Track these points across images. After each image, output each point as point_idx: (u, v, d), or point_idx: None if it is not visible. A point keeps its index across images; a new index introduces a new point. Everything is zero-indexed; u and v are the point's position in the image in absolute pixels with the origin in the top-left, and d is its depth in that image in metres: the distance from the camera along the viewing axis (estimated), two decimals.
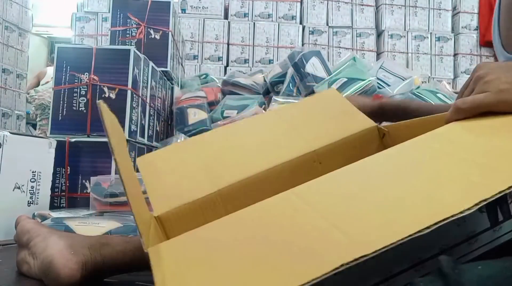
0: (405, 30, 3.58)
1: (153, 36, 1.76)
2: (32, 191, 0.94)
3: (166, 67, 1.77)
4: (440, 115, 0.58)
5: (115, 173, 1.11)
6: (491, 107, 0.44)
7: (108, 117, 0.45)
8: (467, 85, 0.50)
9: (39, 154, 0.98)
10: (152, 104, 1.55)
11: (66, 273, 0.53)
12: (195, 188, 0.58)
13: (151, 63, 1.51)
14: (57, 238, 0.57)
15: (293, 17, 3.50)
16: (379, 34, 3.61)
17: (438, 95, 1.55)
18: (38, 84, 3.61)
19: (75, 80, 1.24)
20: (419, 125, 0.61)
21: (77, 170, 1.17)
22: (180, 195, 0.56)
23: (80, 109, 1.22)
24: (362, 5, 3.57)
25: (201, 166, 0.62)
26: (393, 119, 0.83)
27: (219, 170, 0.61)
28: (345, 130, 0.66)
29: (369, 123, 0.68)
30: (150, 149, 1.50)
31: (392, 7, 3.59)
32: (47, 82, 3.52)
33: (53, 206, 1.08)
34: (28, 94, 3.37)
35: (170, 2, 1.82)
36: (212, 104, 1.90)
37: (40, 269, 0.56)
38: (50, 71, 3.48)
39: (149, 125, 1.51)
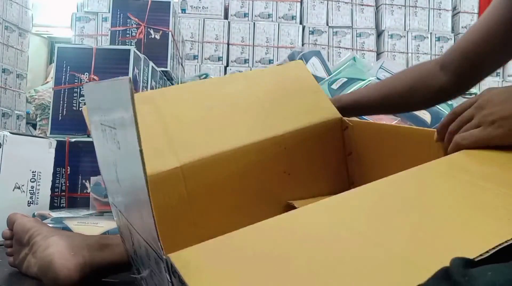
0: (405, 30, 3.58)
1: (153, 36, 1.77)
2: (32, 191, 0.94)
3: (166, 67, 1.77)
4: (409, 128, 0.60)
5: None
6: (489, 142, 0.46)
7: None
8: (467, 107, 0.50)
9: (39, 154, 0.98)
10: None
11: (65, 274, 0.53)
12: (156, 159, 0.53)
13: (151, 63, 1.51)
14: (58, 237, 0.57)
15: (293, 17, 3.50)
16: (379, 34, 3.62)
17: None
18: None
19: (75, 80, 1.24)
20: (384, 128, 0.62)
21: (77, 170, 1.17)
22: None
23: (80, 109, 1.22)
24: (362, 5, 3.57)
25: (162, 132, 0.57)
26: (353, 114, 0.78)
27: (182, 141, 0.57)
28: (311, 116, 0.66)
29: (334, 112, 0.69)
30: None
31: (392, 7, 3.59)
32: (47, 82, 3.52)
33: (53, 206, 1.08)
34: (29, 93, 3.37)
35: (170, 2, 1.82)
36: None
37: (40, 269, 0.56)
38: None
39: None
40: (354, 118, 0.70)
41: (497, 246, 0.27)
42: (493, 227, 0.30)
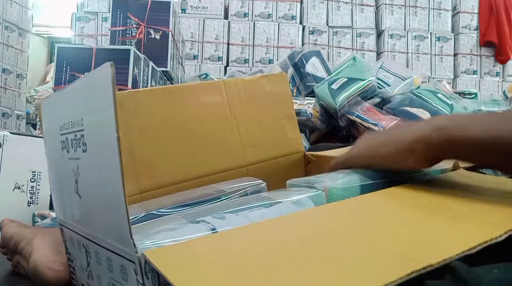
0: (405, 30, 3.58)
1: (153, 36, 1.77)
2: (32, 191, 0.94)
3: (166, 67, 1.77)
4: None
5: None
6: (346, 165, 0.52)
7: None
8: None
9: (39, 154, 0.97)
10: None
11: (54, 276, 0.52)
12: None
13: (151, 63, 1.51)
14: (40, 239, 0.57)
15: (293, 17, 3.50)
16: (379, 34, 3.61)
17: (438, 95, 1.56)
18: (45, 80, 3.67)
19: (75, 80, 1.24)
20: None
21: None
22: None
23: None
24: (362, 5, 3.57)
25: (126, 147, 0.53)
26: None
27: (145, 164, 0.54)
28: (277, 148, 0.67)
29: (299, 145, 0.70)
30: None
31: (392, 7, 3.59)
32: (47, 82, 3.53)
33: (53, 206, 1.08)
34: (29, 93, 3.37)
35: (170, 2, 1.82)
36: None
37: (31, 275, 0.56)
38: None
39: None
40: (317, 153, 0.70)
41: (477, 246, 0.26)
42: (464, 232, 0.30)
